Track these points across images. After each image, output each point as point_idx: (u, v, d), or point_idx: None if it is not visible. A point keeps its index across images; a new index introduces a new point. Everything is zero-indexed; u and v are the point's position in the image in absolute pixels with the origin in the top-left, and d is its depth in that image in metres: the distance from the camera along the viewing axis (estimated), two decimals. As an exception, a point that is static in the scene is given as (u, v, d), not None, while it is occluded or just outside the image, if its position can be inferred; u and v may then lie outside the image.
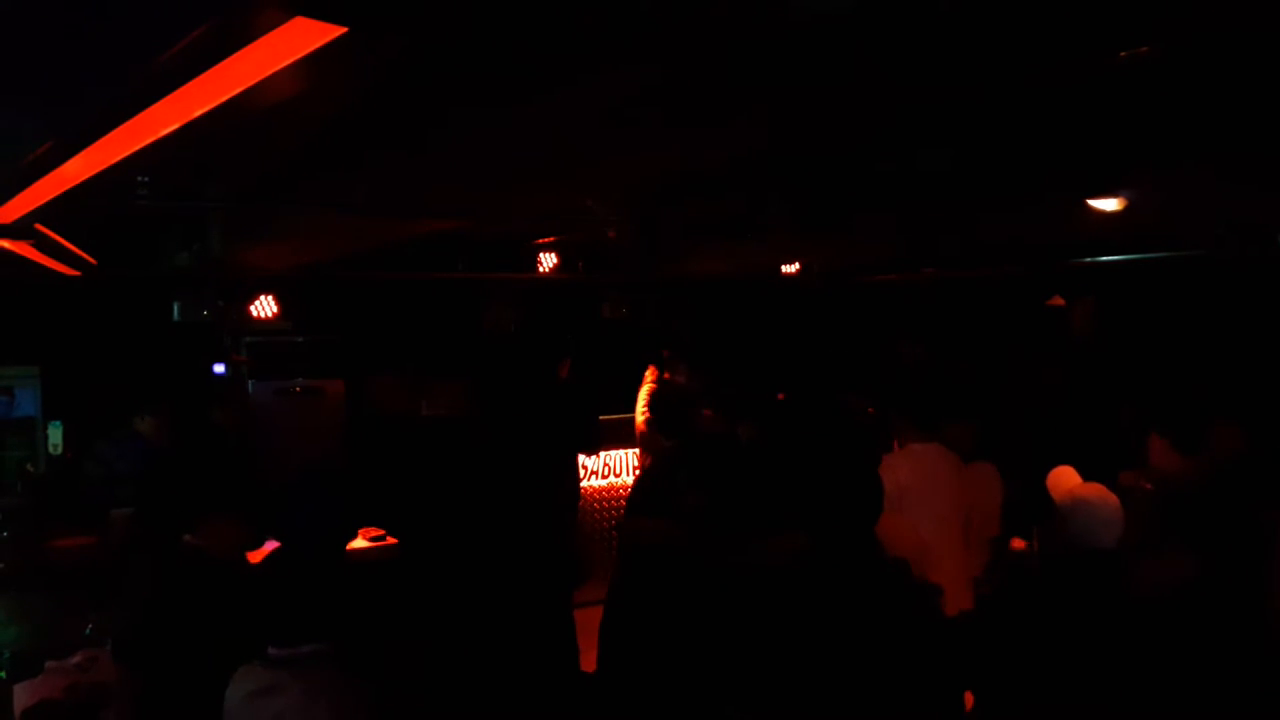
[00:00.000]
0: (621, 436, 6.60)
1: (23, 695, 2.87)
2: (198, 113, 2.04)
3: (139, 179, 3.40)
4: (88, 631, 3.18)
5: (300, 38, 1.64)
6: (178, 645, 2.46)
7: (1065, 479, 3.30)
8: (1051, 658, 2.63)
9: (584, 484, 6.49)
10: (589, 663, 3.81)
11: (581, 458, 6.29)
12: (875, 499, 2.48)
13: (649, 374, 6.51)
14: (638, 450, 6.44)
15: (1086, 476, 3.20)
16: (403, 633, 2.57)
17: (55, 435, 6.03)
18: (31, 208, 3.29)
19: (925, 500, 3.85)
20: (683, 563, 3.43)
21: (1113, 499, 2.99)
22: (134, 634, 2.58)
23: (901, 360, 6.37)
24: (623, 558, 4.16)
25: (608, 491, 6.62)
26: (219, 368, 7.09)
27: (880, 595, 2.34)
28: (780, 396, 6.14)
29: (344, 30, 1.61)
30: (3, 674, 3.02)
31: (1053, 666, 2.61)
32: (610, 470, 6.72)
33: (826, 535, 2.42)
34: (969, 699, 2.83)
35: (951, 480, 4.05)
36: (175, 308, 6.31)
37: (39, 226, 3.81)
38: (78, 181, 2.81)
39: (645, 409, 5.95)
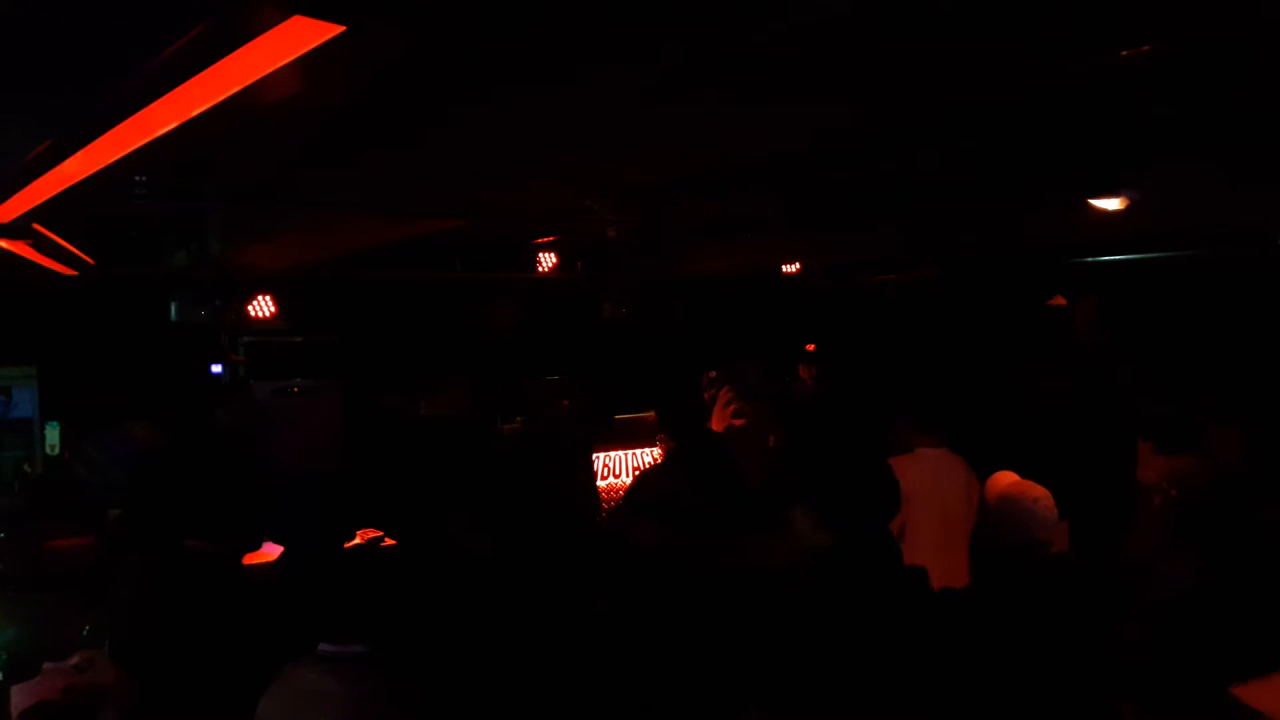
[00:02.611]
0: (621, 437, 6.58)
1: (20, 696, 2.85)
2: (196, 112, 2.03)
3: (137, 178, 3.39)
4: (85, 633, 3.17)
5: (298, 36, 1.63)
6: (170, 647, 2.45)
7: (999, 480, 3.33)
8: (1010, 652, 2.63)
9: (583, 484, 6.48)
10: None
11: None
12: (893, 498, 2.47)
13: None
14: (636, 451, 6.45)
15: (1089, 476, 3.21)
16: (413, 635, 2.56)
17: (52, 436, 6.02)
18: (29, 207, 3.28)
19: (936, 504, 3.85)
20: (681, 565, 3.42)
21: (1037, 491, 3.01)
22: (125, 635, 2.57)
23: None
24: (619, 560, 4.14)
25: (607, 492, 6.59)
26: (216, 368, 7.08)
27: (894, 595, 2.32)
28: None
29: (342, 29, 1.60)
30: (0, 675, 3.01)
31: (1013, 660, 2.62)
32: (610, 470, 6.70)
33: (844, 533, 2.39)
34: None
35: (959, 484, 4.04)
36: (173, 307, 6.31)
37: (36, 226, 3.79)
38: (75, 181, 2.80)
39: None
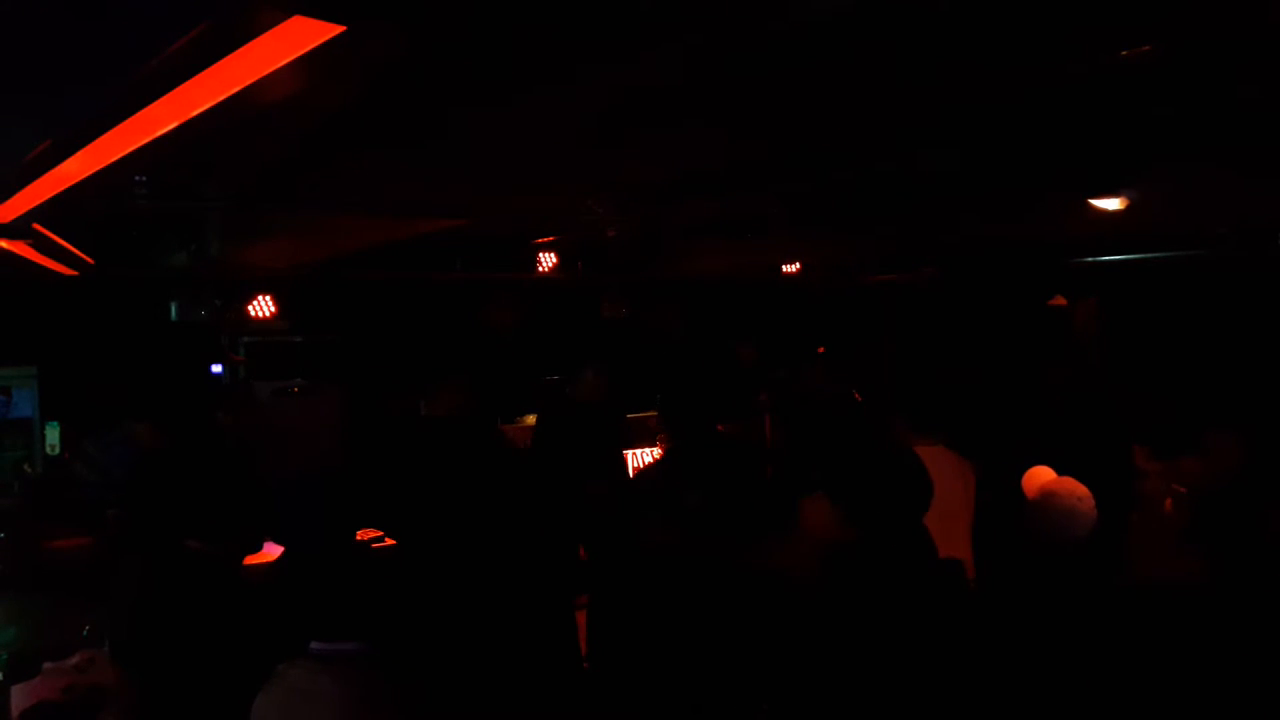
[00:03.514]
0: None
1: (20, 696, 2.85)
2: (196, 112, 2.03)
3: (137, 178, 3.39)
4: (85, 633, 3.17)
5: (298, 36, 1.63)
6: (170, 647, 2.45)
7: (1038, 476, 3.31)
8: (1033, 651, 2.63)
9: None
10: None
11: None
12: (925, 488, 2.39)
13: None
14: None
15: (1089, 476, 3.20)
16: (408, 633, 2.56)
17: (53, 436, 6.01)
18: (29, 207, 3.28)
19: (935, 503, 3.84)
20: (683, 564, 3.42)
21: (1081, 490, 3.00)
22: (125, 635, 2.57)
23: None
24: (618, 558, 4.14)
25: (607, 492, 6.59)
26: (217, 368, 7.08)
27: (934, 592, 2.27)
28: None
29: (342, 29, 1.60)
30: (0, 675, 3.01)
31: (1035, 659, 2.61)
32: (609, 470, 6.69)
33: (876, 529, 2.34)
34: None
35: (959, 481, 4.04)
36: (173, 308, 6.31)
37: (37, 226, 3.80)
38: (75, 181, 2.80)
39: None
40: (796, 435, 4.49)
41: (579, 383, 5.32)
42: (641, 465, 6.39)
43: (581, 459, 4.73)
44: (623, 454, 5.65)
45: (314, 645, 2.13)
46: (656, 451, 6.42)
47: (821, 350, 7.10)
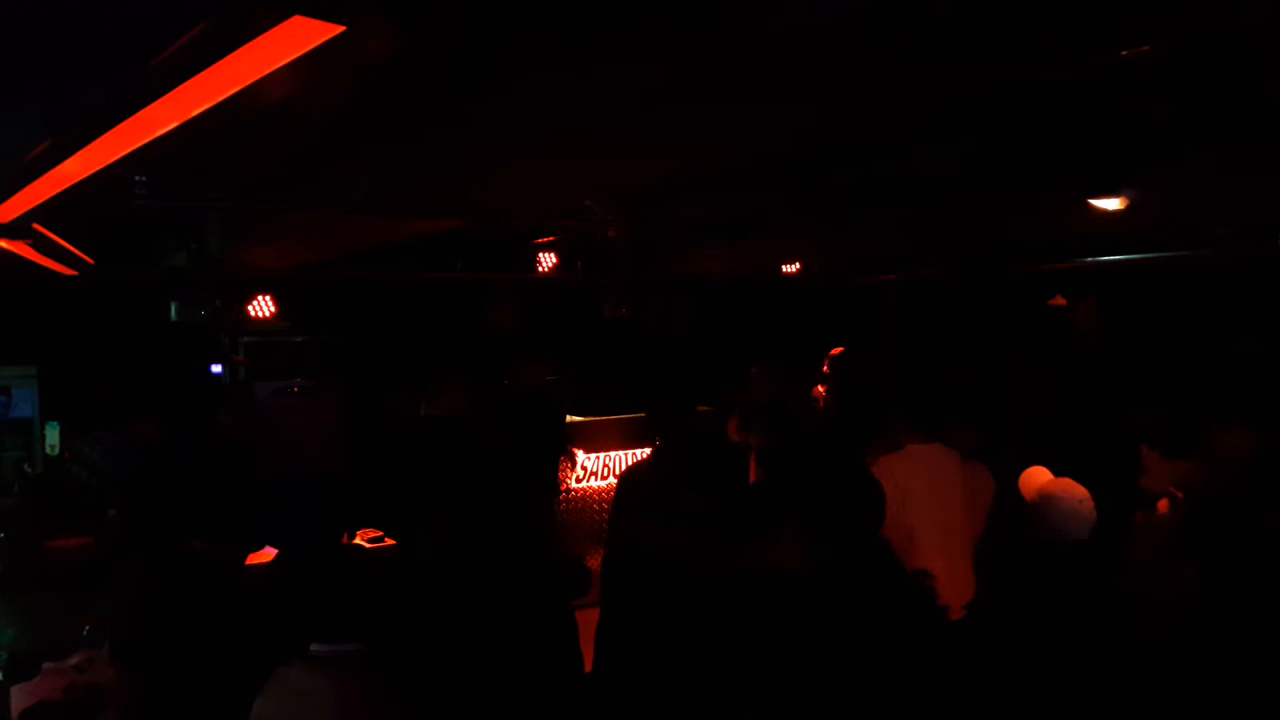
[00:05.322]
0: (623, 437, 6.59)
1: (20, 697, 2.85)
2: (195, 112, 2.03)
3: (137, 178, 3.39)
4: (85, 633, 3.17)
5: (298, 36, 1.63)
6: (170, 647, 2.46)
7: (1036, 477, 3.30)
8: (1033, 652, 2.63)
9: (584, 485, 6.49)
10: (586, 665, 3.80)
11: (580, 456, 6.29)
12: (879, 505, 2.47)
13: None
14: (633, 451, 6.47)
15: (1088, 479, 3.20)
16: (408, 633, 2.56)
17: (52, 436, 6.01)
18: (29, 207, 3.28)
19: (931, 502, 3.82)
20: (681, 566, 3.42)
21: (1081, 491, 3.01)
22: (126, 635, 2.58)
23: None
24: (618, 559, 4.14)
25: (607, 493, 6.60)
26: (216, 368, 7.09)
27: (893, 601, 2.31)
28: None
29: (342, 29, 1.60)
30: (0, 675, 3.01)
31: (1036, 660, 2.61)
32: (610, 471, 6.70)
33: (835, 541, 2.38)
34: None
35: (957, 480, 4.02)
36: (173, 308, 6.32)
37: (36, 226, 3.80)
38: (75, 181, 2.80)
39: None
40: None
41: (522, 370, 5.30)
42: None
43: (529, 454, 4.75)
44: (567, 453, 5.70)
45: (314, 647, 2.13)
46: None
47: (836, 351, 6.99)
